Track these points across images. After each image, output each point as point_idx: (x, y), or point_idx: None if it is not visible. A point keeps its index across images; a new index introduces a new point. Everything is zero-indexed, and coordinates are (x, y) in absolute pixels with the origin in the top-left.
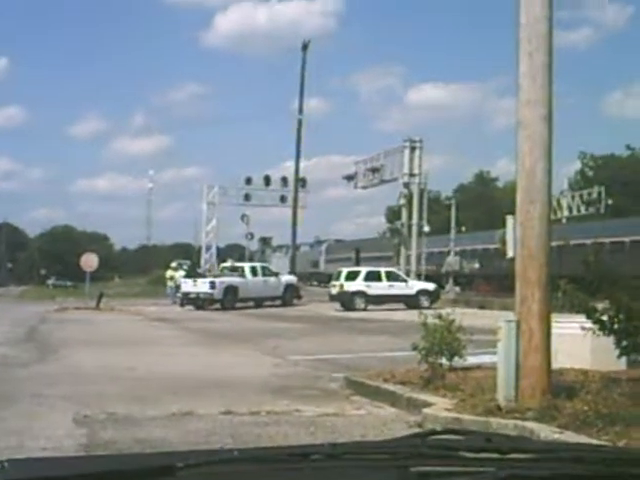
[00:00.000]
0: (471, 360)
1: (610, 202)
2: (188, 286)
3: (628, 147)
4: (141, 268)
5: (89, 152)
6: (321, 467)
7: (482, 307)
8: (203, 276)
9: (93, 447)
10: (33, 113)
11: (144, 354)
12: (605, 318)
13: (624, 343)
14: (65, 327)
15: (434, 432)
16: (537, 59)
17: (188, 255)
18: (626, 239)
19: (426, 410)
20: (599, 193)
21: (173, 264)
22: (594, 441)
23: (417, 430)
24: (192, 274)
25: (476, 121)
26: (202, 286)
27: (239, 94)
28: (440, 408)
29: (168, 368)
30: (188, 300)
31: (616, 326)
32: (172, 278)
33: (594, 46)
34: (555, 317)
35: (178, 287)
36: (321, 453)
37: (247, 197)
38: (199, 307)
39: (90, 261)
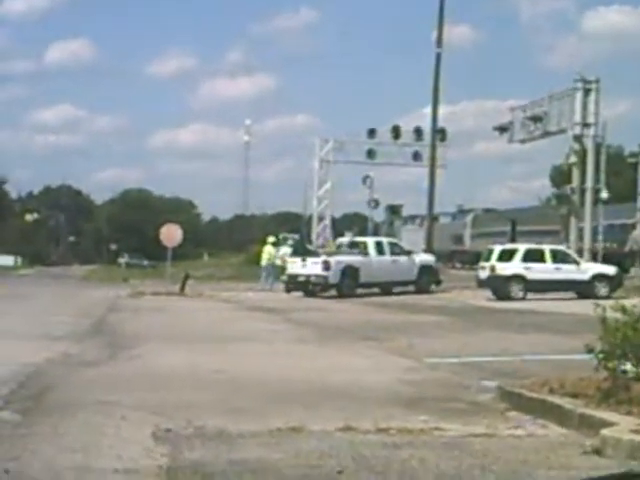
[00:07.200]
0: None
1: None
2: (296, 267)
3: None
4: (236, 244)
5: (171, 96)
6: None
7: None
8: (315, 254)
9: (177, 471)
10: (101, 48)
11: (240, 353)
12: None
13: None
14: (141, 318)
15: (628, 475)
16: None
17: (295, 227)
18: None
19: (605, 432)
20: None
21: (271, 238)
22: None
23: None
24: (300, 251)
25: None
26: (313, 267)
27: (361, 23)
28: (624, 429)
29: (272, 371)
30: (295, 284)
31: None
32: (270, 257)
33: None
34: None
35: (283, 269)
36: None
37: (370, 154)
38: (309, 293)
39: (172, 234)
